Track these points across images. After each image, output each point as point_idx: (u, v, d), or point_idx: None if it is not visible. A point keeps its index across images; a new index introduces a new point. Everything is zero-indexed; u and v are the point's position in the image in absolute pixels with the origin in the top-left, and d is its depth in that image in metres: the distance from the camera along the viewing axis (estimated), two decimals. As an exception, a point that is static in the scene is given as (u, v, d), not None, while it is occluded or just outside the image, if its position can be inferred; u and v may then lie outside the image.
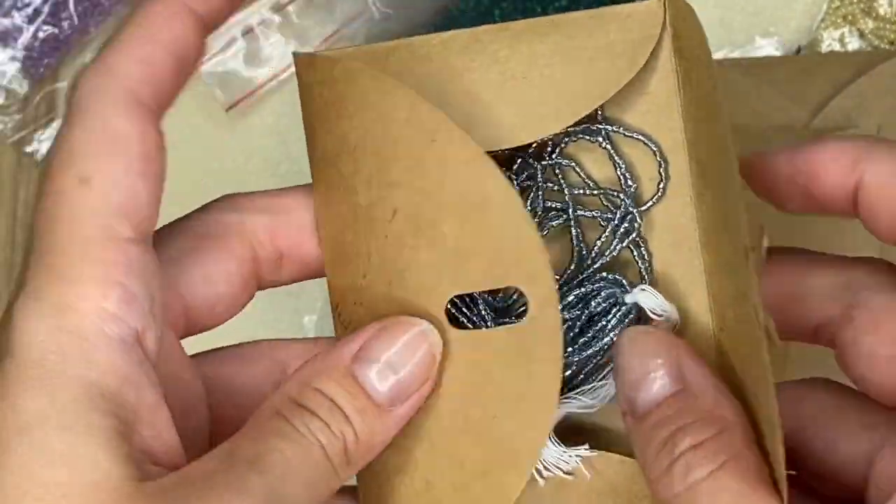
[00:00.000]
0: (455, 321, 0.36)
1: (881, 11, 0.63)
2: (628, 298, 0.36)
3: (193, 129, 0.65)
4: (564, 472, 0.35)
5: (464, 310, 0.36)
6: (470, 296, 0.36)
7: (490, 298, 0.37)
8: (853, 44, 0.63)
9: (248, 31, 0.65)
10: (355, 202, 0.35)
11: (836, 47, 0.63)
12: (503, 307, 0.37)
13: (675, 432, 0.33)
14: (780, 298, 0.35)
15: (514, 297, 0.37)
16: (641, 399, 0.34)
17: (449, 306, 0.35)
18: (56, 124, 0.65)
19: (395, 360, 0.34)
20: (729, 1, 0.64)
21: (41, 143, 0.65)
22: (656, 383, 0.34)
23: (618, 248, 0.36)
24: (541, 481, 0.35)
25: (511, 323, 0.35)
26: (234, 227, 0.37)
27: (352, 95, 0.35)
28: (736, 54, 0.63)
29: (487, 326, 0.36)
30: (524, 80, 0.35)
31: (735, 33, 0.64)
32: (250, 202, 0.38)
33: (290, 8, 0.65)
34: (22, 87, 0.65)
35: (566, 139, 0.37)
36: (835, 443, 0.35)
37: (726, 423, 0.33)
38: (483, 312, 0.36)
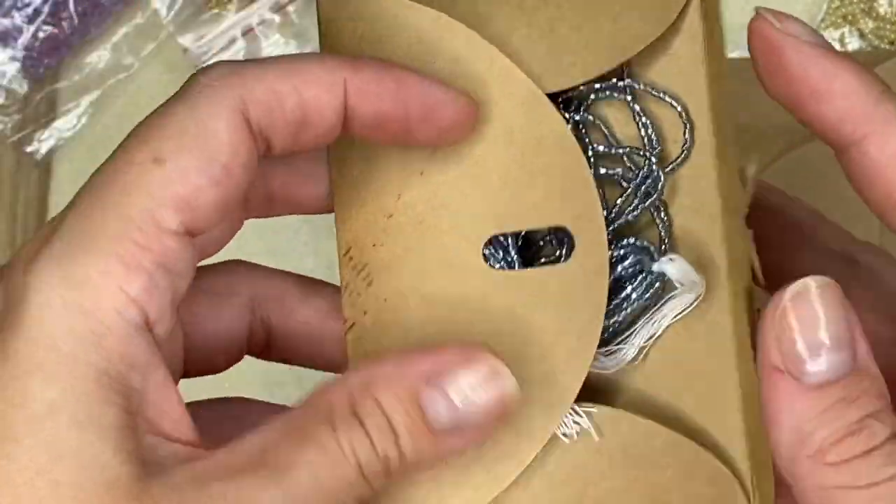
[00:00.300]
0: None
1: (881, 11, 0.63)
2: (655, 267, 0.35)
3: (193, 129, 0.65)
4: (575, 432, 0.35)
5: (493, 252, 0.36)
6: (499, 239, 0.35)
7: (518, 244, 0.36)
8: (853, 44, 0.63)
9: (247, 31, 0.65)
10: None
11: (837, 47, 0.63)
12: (531, 253, 0.36)
13: (870, 417, 0.31)
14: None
15: (542, 242, 0.36)
16: (813, 368, 0.31)
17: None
18: (56, 124, 0.66)
19: (469, 394, 0.31)
20: (729, 1, 0.64)
21: (41, 143, 0.65)
22: (834, 357, 0.31)
23: (639, 208, 0.36)
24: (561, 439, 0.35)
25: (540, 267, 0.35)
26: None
27: (395, 29, 0.34)
28: (736, 54, 0.63)
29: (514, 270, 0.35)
30: (550, 32, 0.35)
31: (735, 33, 0.64)
32: None
33: (290, 8, 0.65)
34: (22, 87, 0.65)
35: (592, 96, 0.36)
36: None
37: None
38: (513, 256, 0.35)
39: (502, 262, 0.35)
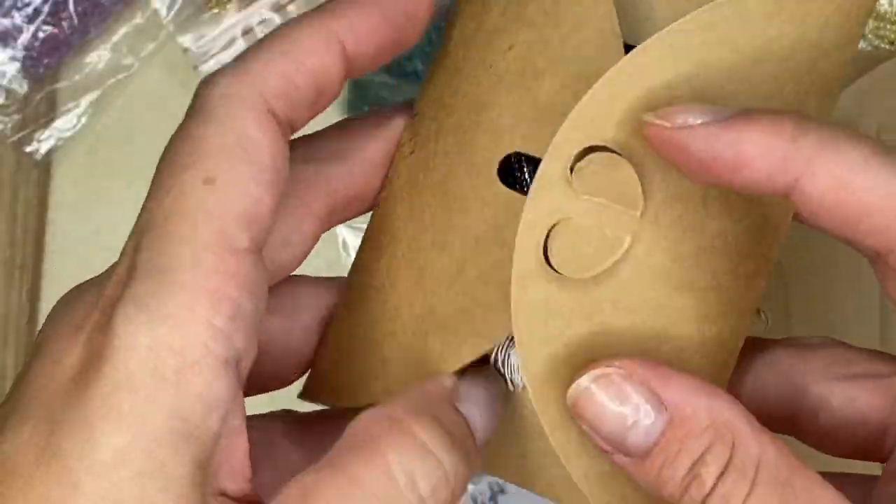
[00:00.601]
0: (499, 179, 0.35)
1: (881, 11, 0.63)
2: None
3: (193, 129, 0.65)
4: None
5: (512, 170, 0.35)
6: (524, 157, 0.35)
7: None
8: (853, 44, 0.63)
9: (247, 31, 0.65)
10: (480, 22, 0.35)
11: (837, 47, 0.63)
12: None
13: (696, 466, 0.30)
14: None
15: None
16: (633, 444, 0.31)
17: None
18: (56, 124, 0.66)
19: (483, 400, 0.33)
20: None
21: (41, 143, 0.65)
22: (642, 427, 0.31)
23: None
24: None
25: None
26: (311, 181, 0.35)
27: None
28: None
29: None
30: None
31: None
32: (325, 147, 0.36)
33: (290, 8, 0.65)
34: (22, 87, 0.65)
35: None
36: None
37: (736, 429, 0.30)
38: (529, 179, 0.35)
39: (518, 184, 0.35)
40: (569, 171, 0.33)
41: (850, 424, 0.34)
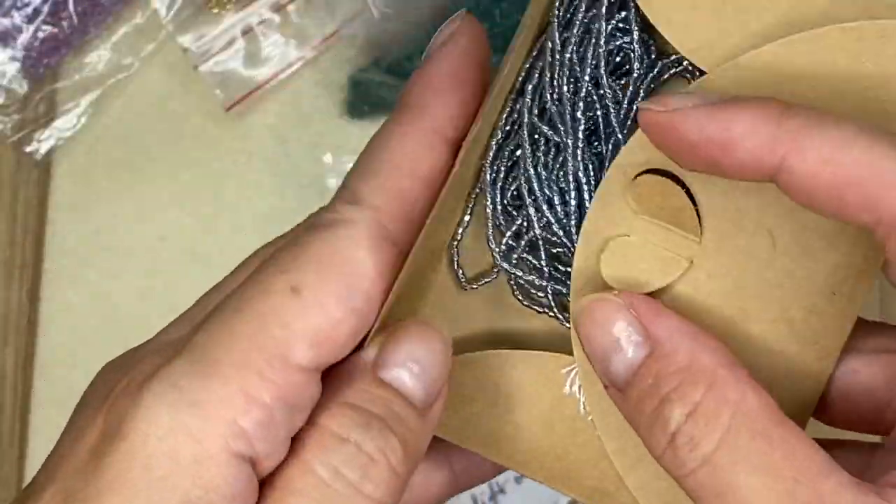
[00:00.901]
0: None
1: (881, 11, 0.63)
2: None
3: (193, 129, 0.65)
4: None
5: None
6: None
7: None
8: (853, 44, 0.63)
9: (247, 31, 0.65)
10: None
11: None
12: None
13: (662, 404, 0.30)
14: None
15: None
16: (615, 371, 0.32)
17: None
18: (56, 124, 0.66)
19: (420, 356, 0.32)
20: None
21: (41, 143, 0.65)
22: (624, 351, 0.31)
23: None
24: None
25: None
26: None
27: None
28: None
29: None
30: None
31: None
32: None
33: (290, 8, 0.65)
34: (22, 87, 0.65)
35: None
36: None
37: (713, 374, 0.30)
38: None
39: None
40: (628, 191, 0.33)
41: (852, 397, 0.34)
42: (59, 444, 0.31)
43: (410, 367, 0.31)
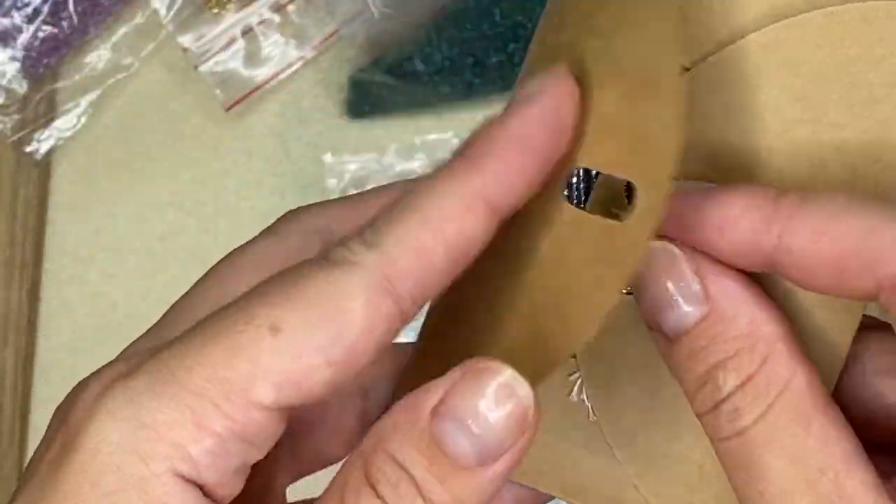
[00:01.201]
0: None
1: (881, 11, 0.63)
2: None
3: (193, 129, 0.65)
4: None
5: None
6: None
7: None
8: (853, 44, 0.63)
9: (247, 31, 0.65)
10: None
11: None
12: None
13: (715, 369, 0.30)
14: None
15: None
16: (668, 323, 0.31)
17: None
18: (56, 124, 0.66)
19: (484, 411, 0.29)
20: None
21: (41, 143, 0.65)
22: (681, 307, 0.31)
23: None
24: None
25: None
26: None
27: None
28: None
29: None
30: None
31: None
32: None
33: (290, 8, 0.65)
34: (22, 87, 0.65)
35: None
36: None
37: (770, 346, 0.30)
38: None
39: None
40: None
41: (880, 417, 0.34)
42: (33, 454, 0.31)
43: (469, 425, 0.29)
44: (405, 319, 0.29)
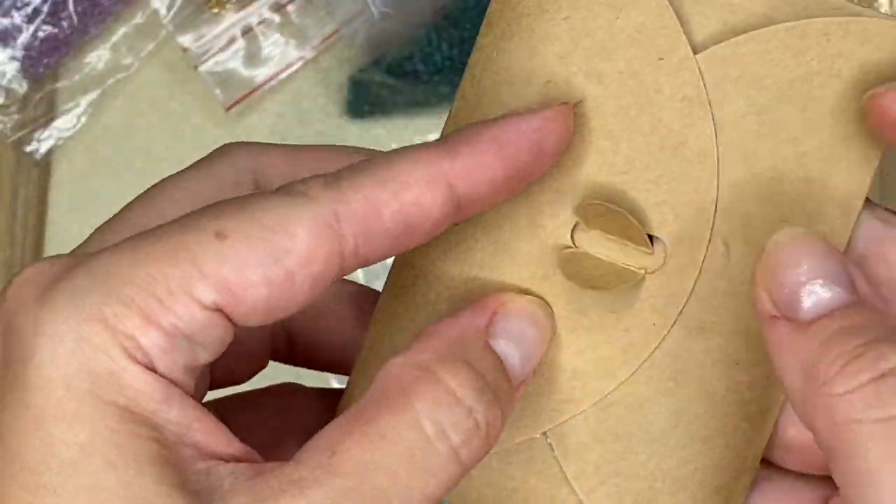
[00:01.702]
0: None
1: (882, 11, 0.63)
2: None
3: (193, 129, 0.65)
4: None
5: None
6: None
7: None
8: (853, 44, 0.63)
9: (247, 31, 0.65)
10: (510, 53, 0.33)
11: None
12: None
13: (857, 359, 0.28)
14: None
15: None
16: (807, 304, 0.29)
17: None
18: (56, 124, 0.66)
19: (528, 335, 0.31)
20: (729, 1, 0.64)
21: (41, 143, 0.65)
22: (828, 290, 0.29)
23: None
24: None
25: None
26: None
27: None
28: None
29: None
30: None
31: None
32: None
33: (290, 8, 0.65)
34: (21, 87, 0.65)
35: None
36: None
37: None
38: None
39: None
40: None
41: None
42: None
43: (519, 342, 0.31)
44: (343, 265, 0.29)
